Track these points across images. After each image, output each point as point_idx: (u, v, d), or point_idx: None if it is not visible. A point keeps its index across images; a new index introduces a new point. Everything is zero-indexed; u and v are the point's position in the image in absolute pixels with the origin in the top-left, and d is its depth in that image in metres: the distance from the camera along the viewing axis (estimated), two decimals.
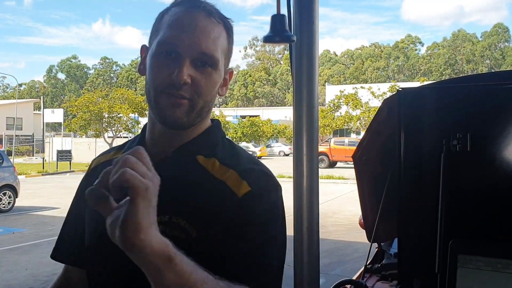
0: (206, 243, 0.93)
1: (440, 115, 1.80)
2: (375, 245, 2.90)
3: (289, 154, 45.81)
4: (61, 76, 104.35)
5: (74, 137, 38.10)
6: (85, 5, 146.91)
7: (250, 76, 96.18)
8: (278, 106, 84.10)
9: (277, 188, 1.03)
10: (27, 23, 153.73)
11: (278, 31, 1.22)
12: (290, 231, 1.10)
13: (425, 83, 15.09)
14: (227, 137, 1.12)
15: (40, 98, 49.42)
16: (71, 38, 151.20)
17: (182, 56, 0.96)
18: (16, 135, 34.64)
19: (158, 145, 1.04)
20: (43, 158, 30.00)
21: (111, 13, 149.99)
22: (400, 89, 1.86)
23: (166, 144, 1.03)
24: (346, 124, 34.67)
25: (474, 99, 1.75)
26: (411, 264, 1.84)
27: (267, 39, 1.23)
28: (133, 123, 35.06)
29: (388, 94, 21.68)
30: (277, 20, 1.22)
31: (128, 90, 38.85)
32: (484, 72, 60.34)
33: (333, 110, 35.75)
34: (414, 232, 1.84)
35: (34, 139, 44.24)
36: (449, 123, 1.75)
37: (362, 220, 2.79)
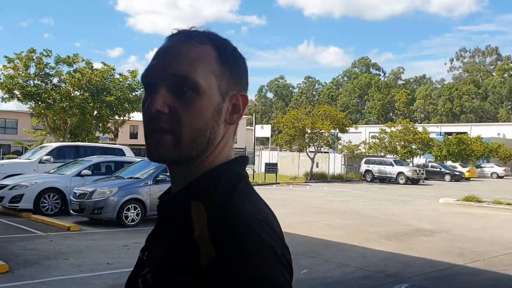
0: None
1: None
2: None
3: (503, 177, 40.83)
4: (270, 95, 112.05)
5: (280, 151, 40.11)
6: (292, 28, 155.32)
7: (456, 89, 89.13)
8: (489, 122, 76.09)
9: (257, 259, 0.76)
10: (243, 48, 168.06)
11: None
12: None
13: None
14: (242, 181, 0.89)
15: (252, 115, 53.66)
16: (279, 60, 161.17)
17: (156, 85, 0.86)
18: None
19: (173, 184, 0.94)
20: (253, 170, 32.18)
21: (315, 35, 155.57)
22: None
23: (174, 182, 0.92)
24: None
25: None
26: None
27: None
28: (334, 139, 35.37)
29: None
30: None
31: (329, 106, 39.41)
32: None
33: None
34: None
35: (246, 152, 48.28)
36: None
37: None
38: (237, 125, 0.94)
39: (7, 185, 12.59)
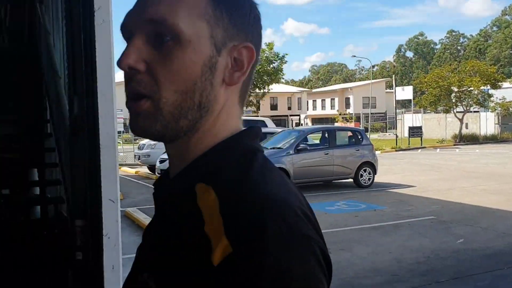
0: None
1: None
2: None
3: None
4: (409, 54, 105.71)
5: (424, 113, 37.93)
6: None
7: None
8: None
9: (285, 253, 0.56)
10: (377, 8, 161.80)
11: None
12: None
13: None
14: (258, 155, 0.68)
15: (391, 77, 51.31)
16: (417, 16, 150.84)
17: (132, 35, 0.65)
18: (371, 113, 37.02)
19: (170, 167, 0.73)
20: (396, 135, 30.92)
21: None
22: None
23: (171, 164, 0.72)
24: None
25: None
26: None
27: None
28: (485, 97, 32.28)
29: None
30: None
31: (478, 61, 35.87)
32: None
33: None
34: None
35: (387, 116, 46.49)
36: None
37: None
38: (245, 87, 0.72)
39: (167, 158, 13.68)
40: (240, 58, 0.68)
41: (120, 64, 0.64)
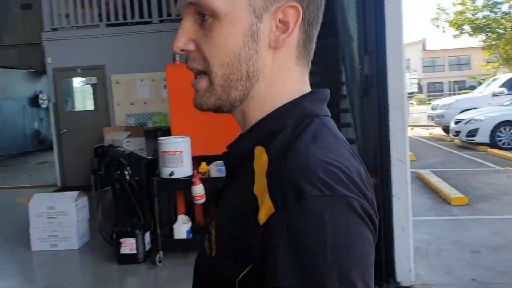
0: (222, 273, 0.65)
1: None
2: None
3: None
4: None
5: None
6: None
7: None
8: None
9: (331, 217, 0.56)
10: None
11: None
12: None
13: None
14: (314, 120, 0.67)
15: None
16: None
17: (182, 16, 0.69)
18: None
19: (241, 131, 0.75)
20: None
21: None
22: None
23: (241, 130, 0.74)
24: None
25: None
26: None
27: None
28: None
29: None
30: None
31: None
32: None
33: None
34: None
35: None
36: None
37: None
38: (302, 45, 0.70)
39: (463, 119, 12.81)
40: (285, 19, 0.67)
41: (172, 48, 0.69)
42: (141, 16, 8.76)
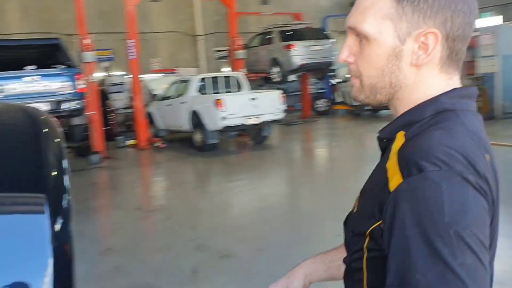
0: (358, 224, 0.88)
1: None
2: None
3: None
4: None
5: None
6: None
7: None
8: None
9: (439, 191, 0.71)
10: None
11: None
12: None
13: None
14: (444, 114, 0.82)
15: None
16: None
17: (347, 34, 0.90)
18: None
19: None
20: None
21: None
22: None
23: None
24: None
25: None
26: None
27: None
28: None
29: None
30: None
31: None
32: None
33: None
34: None
35: None
36: None
37: None
38: (446, 58, 0.83)
39: None
40: (426, 42, 0.82)
41: (338, 58, 0.92)
42: None
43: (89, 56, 9.80)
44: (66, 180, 0.73)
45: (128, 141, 11.50)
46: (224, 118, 9.22)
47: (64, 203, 0.66)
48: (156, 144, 10.98)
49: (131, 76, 11.45)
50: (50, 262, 0.58)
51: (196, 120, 9.85)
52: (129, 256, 4.33)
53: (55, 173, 0.68)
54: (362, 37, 0.86)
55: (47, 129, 0.79)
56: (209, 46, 19.30)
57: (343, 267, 0.96)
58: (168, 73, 15.96)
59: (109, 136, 11.04)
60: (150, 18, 18.26)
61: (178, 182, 7.77)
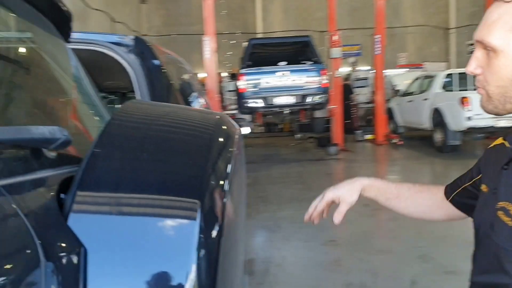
0: None
1: None
2: None
3: None
4: None
5: None
6: None
7: None
8: None
9: None
10: None
11: None
12: None
13: None
14: None
15: None
16: None
17: (475, 47, 0.95)
18: None
19: None
20: None
21: None
22: None
23: None
24: None
25: None
26: None
27: None
28: None
29: None
30: None
31: None
32: None
33: None
34: None
35: None
36: None
37: None
38: None
39: None
40: None
41: (466, 70, 0.96)
42: None
43: (336, 52, 10.20)
44: (232, 190, 0.73)
45: (367, 135, 11.59)
46: (469, 118, 8.36)
47: (218, 211, 0.65)
48: (393, 141, 10.78)
49: (375, 71, 11.46)
50: (193, 268, 0.58)
51: (438, 118, 9.21)
52: (350, 252, 4.36)
53: (217, 181, 0.69)
54: (489, 49, 0.89)
55: (222, 139, 0.83)
56: (461, 40, 17.88)
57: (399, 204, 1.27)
58: (414, 68, 15.48)
59: (349, 129, 11.34)
60: (400, 12, 17.95)
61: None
